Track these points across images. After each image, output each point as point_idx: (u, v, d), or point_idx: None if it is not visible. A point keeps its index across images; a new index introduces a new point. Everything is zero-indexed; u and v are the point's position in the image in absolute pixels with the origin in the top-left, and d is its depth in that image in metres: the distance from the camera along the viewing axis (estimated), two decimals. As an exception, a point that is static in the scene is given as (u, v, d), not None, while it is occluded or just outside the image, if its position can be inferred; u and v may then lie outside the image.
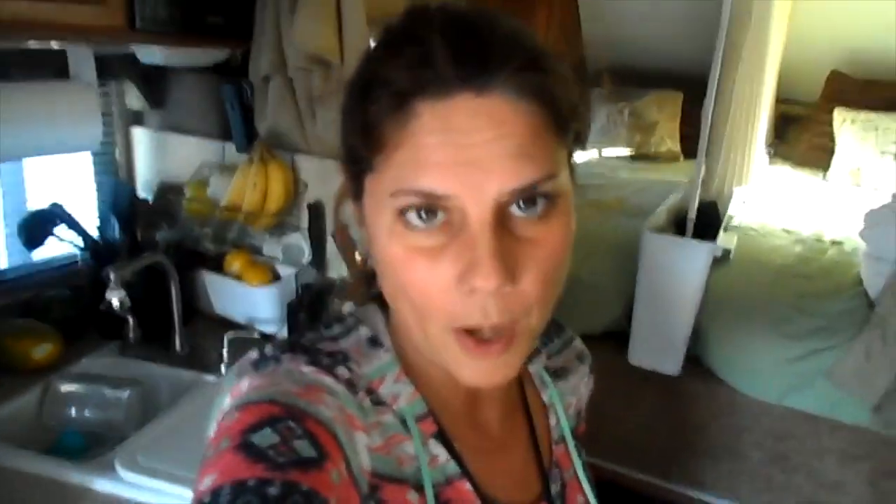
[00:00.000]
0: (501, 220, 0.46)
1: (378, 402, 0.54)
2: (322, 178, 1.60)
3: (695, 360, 1.66)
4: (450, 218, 0.47)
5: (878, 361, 1.37)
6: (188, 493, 1.10)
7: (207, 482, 0.40)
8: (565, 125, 0.49)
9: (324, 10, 1.40)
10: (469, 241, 0.46)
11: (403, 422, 0.54)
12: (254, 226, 1.60)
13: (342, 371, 0.53)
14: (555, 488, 0.64)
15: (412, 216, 0.47)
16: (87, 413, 1.35)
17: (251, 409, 0.45)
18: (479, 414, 0.61)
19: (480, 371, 0.49)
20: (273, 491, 0.39)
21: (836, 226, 2.32)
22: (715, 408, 1.59)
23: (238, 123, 1.63)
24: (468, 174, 0.45)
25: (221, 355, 1.50)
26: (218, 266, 1.70)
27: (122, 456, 1.17)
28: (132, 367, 1.50)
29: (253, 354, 0.54)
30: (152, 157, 1.86)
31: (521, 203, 0.47)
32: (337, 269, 1.64)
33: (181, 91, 1.78)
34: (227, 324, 1.65)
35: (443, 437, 0.56)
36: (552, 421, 0.67)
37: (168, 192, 1.80)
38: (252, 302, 1.64)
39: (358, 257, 0.61)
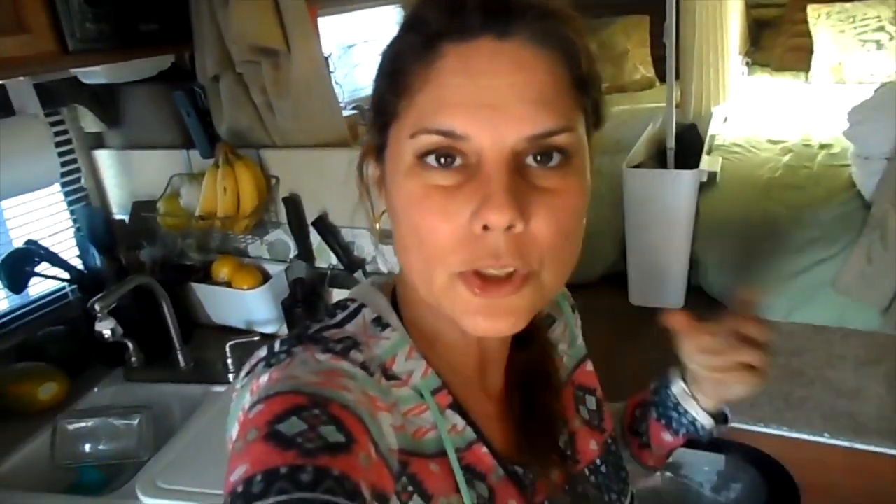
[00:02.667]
0: (518, 165, 0.47)
1: (393, 378, 0.55)
2: (292, 169, 1.56)
3: (697, 290, 1.64)
4: (466, 161, 0.47)
5: (881, 263, 1.35)
6: (213, 508, 1.11)
7: (239, 472, 0.40)
8: (584, 86, 0.50)
9: (261, 1, 1.35)
10: (484, 180, 0.46)
11: (420, 395, 0.55)
12: (233, 230, 1.57)
13: (356, 355, 0.53)
14: (562, 440, 0.65)
15: (431, 159, 0.48)
16: (101, 446, 1.35)
17: (276, 400, 0.45)
18: (486, 377, 0.62)
19: (487, 315, 0.49)
20: (305, 477, 0.39)
21: (822, 128, 2.26)
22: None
23: (197, 129, 1.59)
24: (487, 116, 0.46)
25: (226, 364, 1.50)
26: (206, 276, 1.68)
27: (142, 483, 1.18)
28: (140, 392, 1.50)
29: (262, 352, 0.54)
30: (120, 177, 1.83)
31: (536, 156, 0.48)
32: (325, 258, 1.62)
33: (134, 106, 1.74)
34: (227, 331, 1.64)
35: (458, 407, 0.57)
36: (564, 359, 0.69)
37: (142, 209, 1.77)
38: (246, 306, 1.63)
39: (377, 226, 0.60)
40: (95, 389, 1.49)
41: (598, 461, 0.69)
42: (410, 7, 0.51)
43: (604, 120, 0.55)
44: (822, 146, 2.06)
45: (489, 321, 0.49)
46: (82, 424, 1.34)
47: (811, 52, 3.09)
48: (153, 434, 1.36)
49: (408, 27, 0.50)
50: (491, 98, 0.46)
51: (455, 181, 0.47)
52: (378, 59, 0.53)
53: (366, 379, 0.51)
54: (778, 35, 3.44)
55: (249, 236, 1.65)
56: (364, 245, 1.56)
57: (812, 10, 3.11)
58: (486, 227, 0.46)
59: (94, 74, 1.48)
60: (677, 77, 1.53)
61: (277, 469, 0.40)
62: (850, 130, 1.55)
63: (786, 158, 1.98)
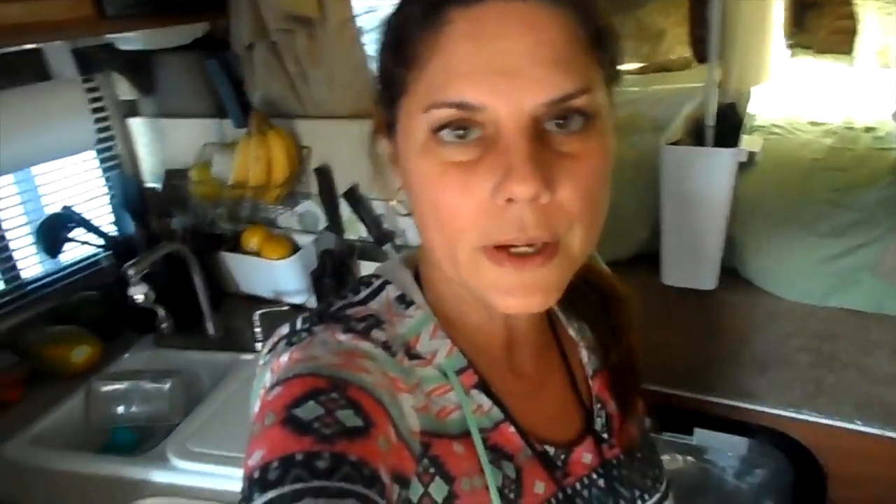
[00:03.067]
0: (538, 132, 0.45)
1: (416, 358, 0.54)
2: (324, 140, 1.56)
3: (731, 271, 1.61)
4: (484, 133, 0.45)
5: (924, 248, 1.32)
6: (241, 473, 1.14)
7: (256, 458, 0.40)
8: (600, 42, 0.48)
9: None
10: (503, 150, 0.44)
11: (444, 374, 0.54)
12: (264, 199, 1.58)
13: (378, 334, 0.52)
14: (599, 422, 0.63)
15: (446, 133, 0.45)
16: (133, 409, 1.38)
17: (294, 383, 0.44)
18: (514, 356, 0.60)
19: (517, 291, 0.47)
20: (322, 464, 0.39)
21: (867, 111, 2.20)
22: (757, 317, 1.56)
23: (230, 98, 1.59)
24: (502, 83, 0.43)
25: (254, 333, 1.52)
26: (236, 245, 1.70)
27: (173, 446, 1.20)
28: (170, 358, 1.52)
29: (284, 329, 0.53)
30: (153, 145, 1.84)
31: (556, 121, 0.45)
32: (355, 230, 1.62)
33: (169, 73, 1.75)
34: (256, 301, 1.66)
35: (484, 387, 0.56)
36: (584, 356, 0.66)
37: (174, 178, 1.79)
38: (275, 276, 1.64)
39: (390, 203, 0.58)
40: (126, 355, 1.52)
41: (634, 448, 0.66)
42: None
43: (621, 75, 0.52)
44: (867, 129, 2.00)
45: (519, 298, 0.47)
46: (115, 387, 1.37)
47: (855, 34, 3.00)
48: (184, 399, 1.38)
49: None
50: (504, 63, 0.43)
51: (473, 155, 0.45)
52: (381, 30, 0.51)
53: (386, 359, 0.50)
54: (822, 17, 3.34)
55: (280, 207, 1.66)
56: (395, 218, 1.55)
57: (860, -8, 3.01)
58: (510, 200, 0.44)
59: (129, 40, 1.49)
60: (719, 55, 1.49)
61: (293, 456, 0.39)
62: (898, 112, 1.51)
63: (828, 141, 1.93)
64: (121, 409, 1.38)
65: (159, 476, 1.17)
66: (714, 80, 1.48)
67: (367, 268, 1.59)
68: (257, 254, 1.65)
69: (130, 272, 1.31)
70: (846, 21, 3.10)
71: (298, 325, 0.53)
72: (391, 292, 0.57)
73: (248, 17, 1.45)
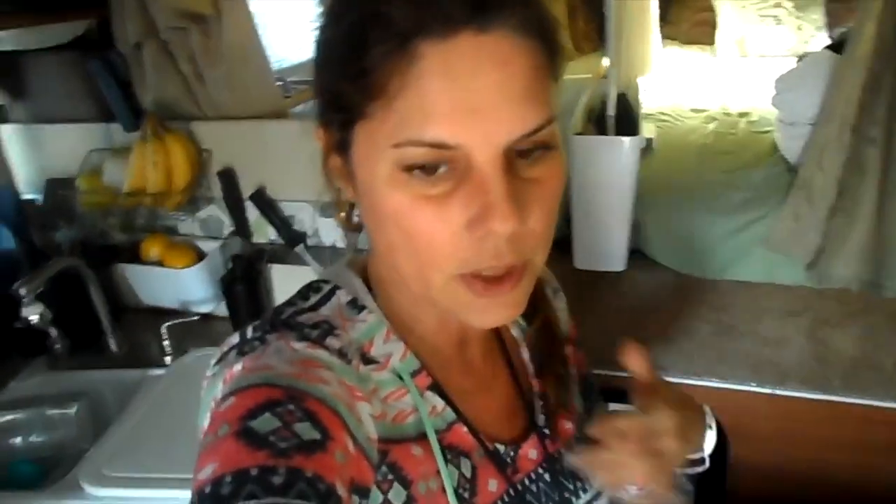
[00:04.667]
0: (509, 164, 0.46)
1: (371, 362, 0.55)
2: (226, 142, 1.53)
3: (638, 253, 1.72)
4: (454, 166, 0.46)
5: (807, 221, 1.47)
6: (165, 494, 1.08)
7: (208, 471, 0.39)
8: (558, 66, 0.49)
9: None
10: (479, 186, 0.45)
11: (399, 377, 0.55)
12: (164, 206, 1.51)
13: (332, 341, 0.52)
14: (542, 418, 0.66)
15: (416, 171, 0.46)
16: (34, 438, 1.29)
17: (249, 394, 0.44)
18: (465, 353, 0.63)
19: (491, 311, 0.50)
20: (277, 480, 0.39)
21: (736, 98, 2.40)
22: (663, 294, 1.68)
23: (118, 101, 1.52)
24: (476, 122, 0.44)
25: (163, 346, 1.46)
26: (134, 256, 1.62)
27: (86, 473, 1.14)
28: (68, 380, 1.44)
29: (234, 339, 0.53)
30: (29, 153, 1.72)
31: (522, 148, 0.47)
32: (264, 233, 1.59)
33: (44, 76, 1.64)
34: (159, 313, 1.60)
35: (437, 388, 0.57)
36: (525, 355, 0.69)
37: (58, 188, 1.67)
38: (181, 285, 1.58)
39: (342, 214, 0.59)
40: (14, 382, 1.41)
41: (573, 439, 0.69)
42: (366, 4, 0.46)
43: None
44: (741, 115, 2.20)
45: (494, 316, 0.50)
46: (11, 417, 1.28)
47: (715, 26, 3.24)
48: (92, 422, 1.31)
49: (369, 22, 0.45)
50: (478, 101, 0.43)
51: (444, 188, 0.46)
52: (322, 48, 0.50)
53: (343, 368, 0.51)
54: (685, 9, 3.57)
55: (181, 213, 1.60)
56: (304, 219, 1.55)
57: (716, -15, 3.27)
58: (486, 233, 0.45)
59: None
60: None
61: (248, 470, 0.39)
62: (777, 98, 1.66)
63: (711, 126, 2.10)
64: (18, 441, 1.28)
65: (74, 507, 1.10)
66: (615, 72, 1.56)
67: (278, 271, 1.58)
68: (160, 263, 1.58)
69: (22, 291, 1.22)
70: (707, 13, 3.35)
71: (249, 333, 0.53)
72: (342, 297, 0.58)
73: (134, 14, 1.39)
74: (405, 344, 0.57)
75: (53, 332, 1.39)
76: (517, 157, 0.47)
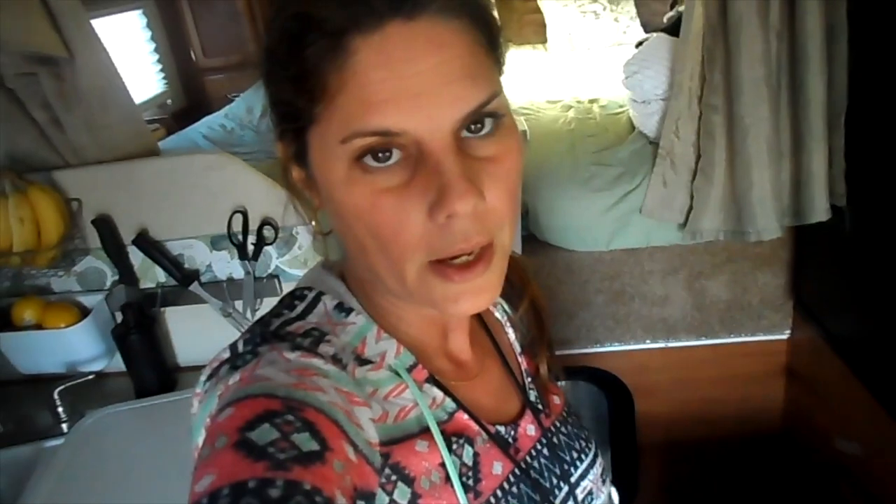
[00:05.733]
0: (458, 144, 0.47)
1: (367, 363, 0.55)
2: (94, 188, 1.44)
3: (531, 237, 1.81)
4: (406, 153, 0.47)
5: (674, 186, 1.62)
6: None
7: (205, 483, 0.39)
8: (496, 41, 0.51)
9: (27, 3, 1.22)
10: (433, 170, 0.46)
11: (397, 374, 0.56)
12: (35, 265, 1.40)
13: (326, 348, 0.52)
14: (533, 394, 0.69)
15: (369, 159, 0.47)
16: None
17: (246, 405, 0.44)
18: (452, 344, 0.63)
19: (467, 297, 0.50)
20: (275, 493, 0.38)
21: (580, 87, 2.59)
22: (558, 272, 1.78)
23: (-37, 157, 1.38)
24: (418, 107, 0.45)
25: (57, 413, 1.36)
26: (4, 323, 1.48)
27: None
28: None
29: (224, 354, 0.52)
30: None
31: (470, 126, 0.48)
32: (151, 277, 1.51)
33: None
34: (39, 381, 1.48)
35: (434, 380, 0.58)
36: (511, 335, 0.72)
37: None
38: (66, 346, 1.48)
39: (313, 224, 0.59)
40: None
41: (564, 413, 0.71)
42: (295, 7, 0.48)
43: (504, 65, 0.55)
44: (591, 101, 2.37)
45: (470, 302, 0.51)
46: None
47: (544, 25, 3.47)
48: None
49: (301, 24, 0.47)
50: (417, 86, 0.45)
51: (401, 178, 0.47)
52: (266, 59, 0.51)
53: (338, 374, 0.51)
54: (511, 12, 3.77)
55: (55, 269, 1.49)
56: (195, 255, 1.50)
57: (538, -13, 3.50)
58: (449, 216, 0.46)
59: None
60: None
61: (246, 483, 0.38)
62: (629, 81, 1.82)
63: (571, 114, 2.26)
64: None
65: None
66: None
67: (173, 313, 1.52)
68: (38, 326, 1.46)
69: None
70: (535, 15, 3.58)
71: (240, 347, 0.52)
72: (328, 303, 0.58)
73: (-30, 63, 1.27)
74: (397, 340, 0.57)
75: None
76: (470, 135, 0.48)
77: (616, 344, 1.76)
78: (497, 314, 0.73)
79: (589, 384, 1.74)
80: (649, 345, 1.77)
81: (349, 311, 0.58)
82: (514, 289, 0.74)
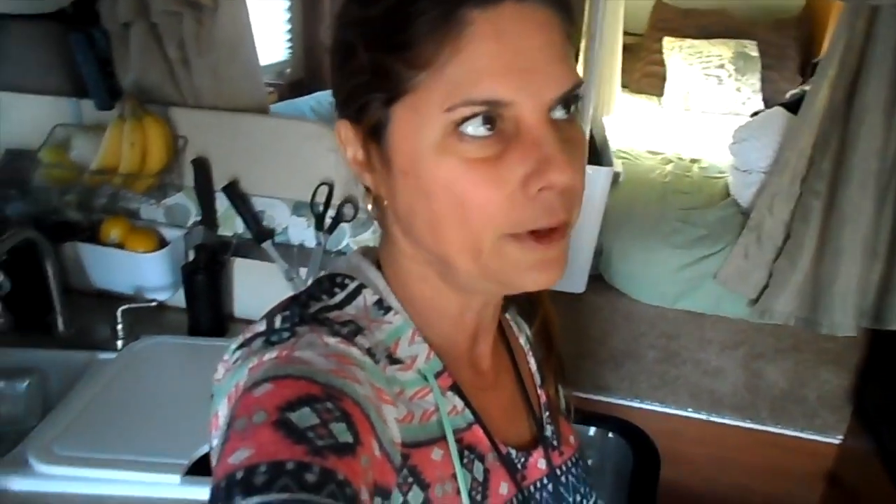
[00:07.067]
0: (554, 124, 0.50)
1: (397, 363, 0.56)
2: (202, 131, 1.54)
3: (598, 277, 1.81)
4: (503, 126, 0.49)
5: (755, 260, 1.59)
6: (115, 475, 1.06)
7: (241, 456, 0.39)
8: (576, 40, 0.55)
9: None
10: (531, 143, 0.48)
11: (424, 377, 0.57)
12: (133, 188, 1.49)
13: (362, 340, 0.53)
14: (550, 429, 0.69)
15: (470, 127, 0.48)
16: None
17: (287, 384, 0.44)
18: (477, 348, 0.64)
19: (541, 268, 0.51)
20: (311, 477, 0.38)
21: (685, 146, 2.57)
22: (616, 318, 1.77)
23: (95, 78, 1.50)
24: (527, 80, 0.47)
25: (116, 330, 1.44)
26: (91, 236, 1.58)
27: (34, 449, 1.11)
28: (8, 357, 1.38)
29: (259, 326, 0.53)
30: (-11, 121, 1.66)
31: (557, 108, 0.50)
32: (230, 226, 1.58)
33: (17, 44, 1.60)
34: (108, 297, 1.57)
35: (457, 388, 0.59)
36: (532, 365, 0.72)
37: (15, 159, 1.62)
38: (140, 270, 1.57)
39: (369, 206, 0.59)
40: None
41: (575, 455, 0.71)
42: None
43: None
44: (693, 160, 2.36)
45: (543, 273, 0.51)
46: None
47: (664, 78, 3.46)
48: (40, 400, 1.27)
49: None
50: (526, 62, 0.47)
51: (494, 150, 0.48)
52: (355, 31, 0.52)
53: (373, 368, 0.51)
54: (636, 61, 3.80)
55: (148, 197, 1.58)
56: (275, 215, 1.56)
57: (667, 42, 3.55)
58: (541, 189, 0.48)
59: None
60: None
61: (284, 464, 0.38)
62: (735, 146, 1.81)
63: (669, 167, 2.25)
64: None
65: (20, 484, 1.09)
66: (589, 108, 1.65)
67: (241, 265, 1.59)
68: (120, 246, 1.55)
69: (-16, 260, 1.19)
70: (657, 67, 3.58)
71: (277, 323, 0.53)
72: (368, 297, 0.58)
73: (126, -8, 1.38)
74: (429, 345, 0.58)
75: (-2, 305, 1.34)
76: (556, 115, 0.50)
77: (657, 404, 1.73)
78: (521, 340, 0.73)
79: (618, 436, 1.71)
80: (690, 413, 1.73)
81: (388, 309, 0.58)
82: (529, 304, 0.74)
